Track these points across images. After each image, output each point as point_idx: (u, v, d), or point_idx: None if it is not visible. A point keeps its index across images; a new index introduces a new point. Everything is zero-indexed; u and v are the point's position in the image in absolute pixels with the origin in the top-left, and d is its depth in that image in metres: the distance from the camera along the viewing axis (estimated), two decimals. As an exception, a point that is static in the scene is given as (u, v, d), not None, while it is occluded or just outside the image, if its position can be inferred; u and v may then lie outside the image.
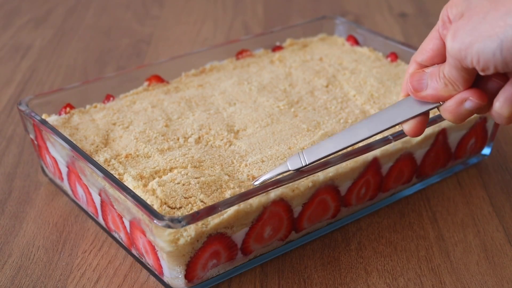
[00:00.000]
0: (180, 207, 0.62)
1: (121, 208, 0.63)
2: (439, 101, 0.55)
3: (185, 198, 0.63)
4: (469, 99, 0.53)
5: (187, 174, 0.66)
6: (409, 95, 0.57)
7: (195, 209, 0.62)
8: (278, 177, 0.62)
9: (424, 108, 0.56)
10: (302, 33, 1.00)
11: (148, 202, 0.61)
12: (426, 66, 0.56)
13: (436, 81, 0.54)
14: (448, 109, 0.54)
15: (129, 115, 0.78)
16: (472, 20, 0.49)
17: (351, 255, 0.68)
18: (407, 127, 0.57)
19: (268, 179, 0.63)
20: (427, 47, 0.55)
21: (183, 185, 0.64)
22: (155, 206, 0.61)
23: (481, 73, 0.50)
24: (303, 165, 0.62)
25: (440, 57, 0.55)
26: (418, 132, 0.57)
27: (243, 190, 0.64)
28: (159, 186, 0.64)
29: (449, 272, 0.66)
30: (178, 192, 0.63)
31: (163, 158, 0.69)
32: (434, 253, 0.69)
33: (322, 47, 0.95)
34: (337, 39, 0.98)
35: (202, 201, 0.63)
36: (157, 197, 0.62)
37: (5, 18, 1.30)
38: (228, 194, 0.63)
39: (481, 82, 0.53)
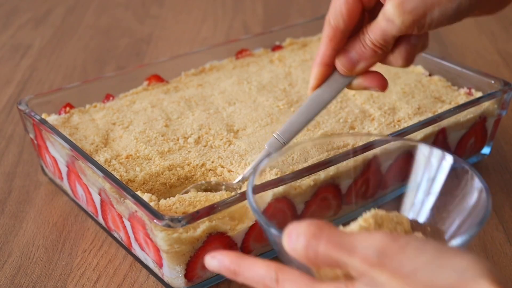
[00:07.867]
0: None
1: (121, 207, 0.63)
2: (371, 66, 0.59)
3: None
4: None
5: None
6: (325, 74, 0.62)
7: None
8: (264, 164, 0.57)
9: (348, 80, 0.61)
10: (302, 32, 1.00)
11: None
12: (341, 29, 0.58)
13: (362, 52, 0.58)
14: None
15: (129, 115, 0.78)
16: None
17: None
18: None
19: (250, 173, 0.63)
20: (343, 10, 0.57)
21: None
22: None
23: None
24: (283, 143, 0.63)
25: (356, 21, 0.58)
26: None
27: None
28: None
29: (449, 272, 0.66)
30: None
31: (164, 162, 0.69)
32: (433, 253, 0.69)
33: (322, 47, 0.95)
34: (336, 39, 0.98)
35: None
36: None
37: (4, 17, 1.30)
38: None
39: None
